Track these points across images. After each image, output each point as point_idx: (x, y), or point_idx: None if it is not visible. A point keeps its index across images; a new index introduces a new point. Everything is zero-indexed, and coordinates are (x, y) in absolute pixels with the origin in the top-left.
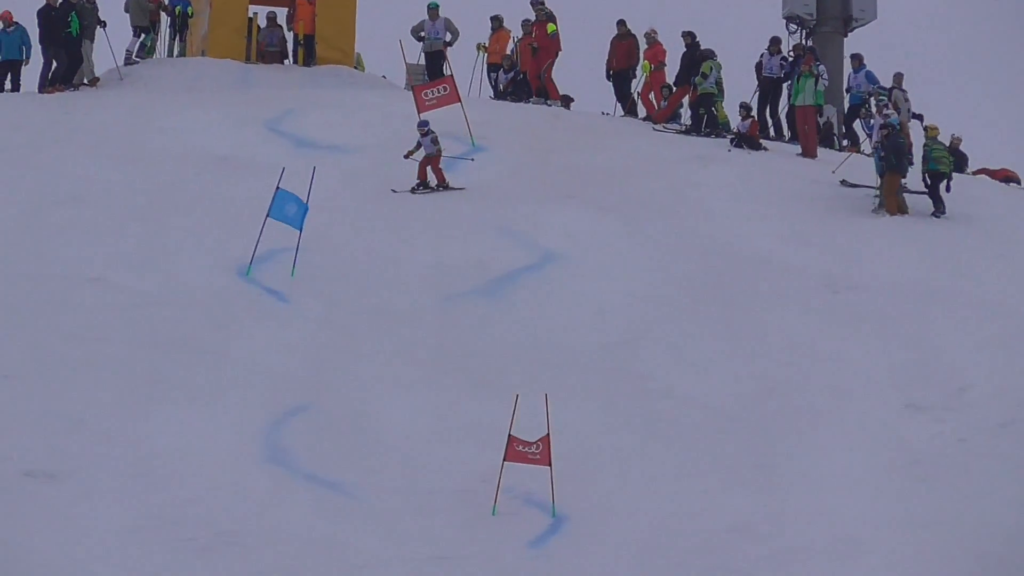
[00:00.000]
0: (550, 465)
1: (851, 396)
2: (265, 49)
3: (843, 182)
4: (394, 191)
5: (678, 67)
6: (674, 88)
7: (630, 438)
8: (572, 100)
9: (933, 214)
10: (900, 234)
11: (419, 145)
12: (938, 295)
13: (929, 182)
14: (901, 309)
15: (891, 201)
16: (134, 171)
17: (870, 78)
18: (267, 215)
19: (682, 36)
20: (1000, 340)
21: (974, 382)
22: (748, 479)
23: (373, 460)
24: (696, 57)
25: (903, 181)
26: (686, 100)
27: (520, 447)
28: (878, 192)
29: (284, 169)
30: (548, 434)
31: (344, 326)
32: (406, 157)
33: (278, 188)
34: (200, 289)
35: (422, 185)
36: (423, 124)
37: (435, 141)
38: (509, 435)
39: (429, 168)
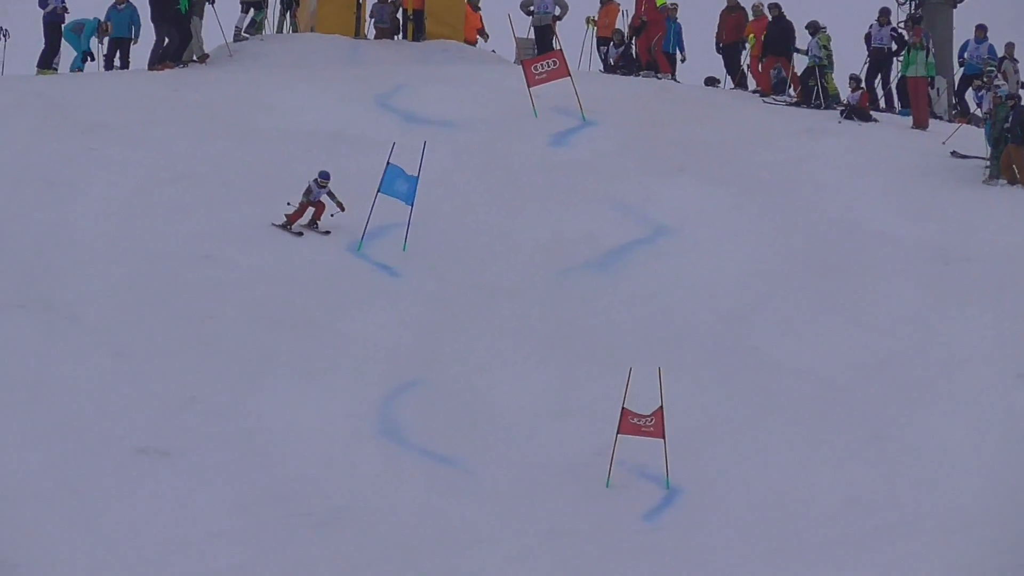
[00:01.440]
0: (664, 438)
1: (963, 368)
2: (376, 25)
3: (954, 153)
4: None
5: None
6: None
7: (743, 411)
8: (717, 81)
9: None
10: (1013, 204)
11: (308, 190)
12: None
13: None
14: (1014, 280)
15: (1010, 172)
16: (244, 148)
17: (991, 52)
18: (378, 190)
19: (768, 9)
20: None
21: None
22: (861, 451)
23: (485, 435)
24: (784, 28)
25: None
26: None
27: (634, 419)
28: (988, 163)
29: (394, 144)
30: (662, 407)
31: (456, 301)
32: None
33: (388, 163)
34: (311, 265)
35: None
36: (326, 176)
37: (330, 194)
38: (623, 408)
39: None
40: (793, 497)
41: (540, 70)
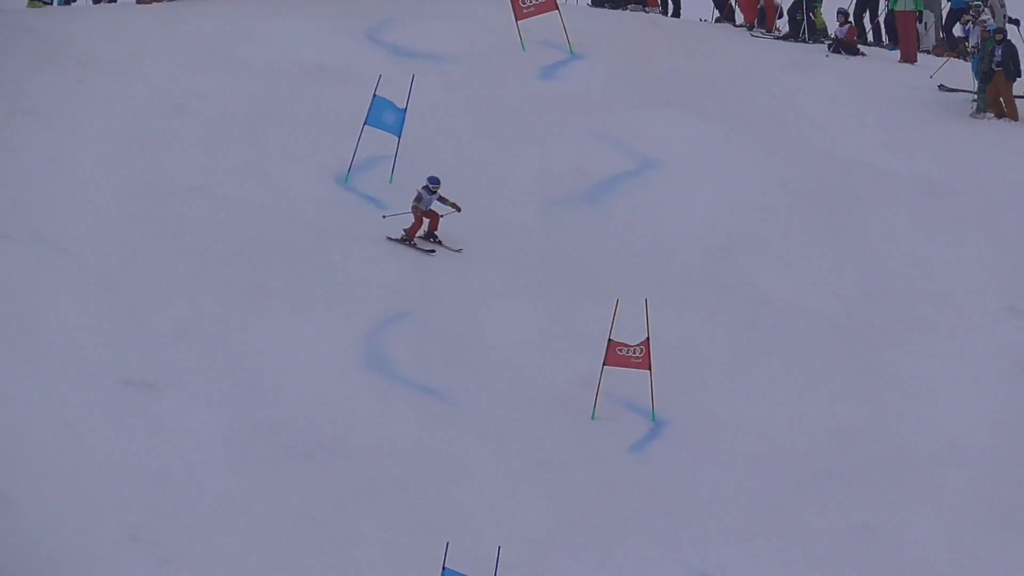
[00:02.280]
0: (650, 369)
1: (953, 301)
2: None
3: (941, 87)
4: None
5: None
6: None
7: (731, 344)
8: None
9: None
10: (1000, 138)
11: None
12: None
13: None
14: (1002, 213)
15: (998, 105)
16: (234, 81)
17: None
18: (365, 123)
19: None
20: None
21: None
22: (851, 386)
23: (474, 367)
24: None
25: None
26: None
27: (621, 351)
28: (976, 96)
29: (381, 76)
30: (648, 338)
31: (444, 233)
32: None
33: (375, 96)
34: (300, 198)
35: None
36: (435, 181)
37: (442, 200)
38: (609, 339)
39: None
40: (781, 430)
41: (528, 3)
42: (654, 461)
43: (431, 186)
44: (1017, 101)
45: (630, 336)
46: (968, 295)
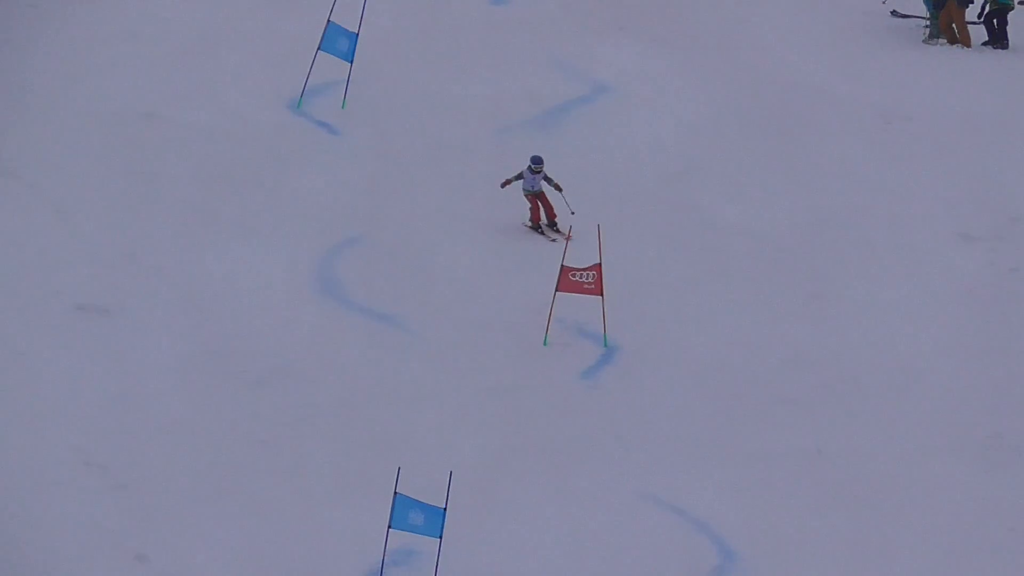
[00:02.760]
0: (602, 295)
1: (905, 227)
2: None
3: (893, 13)
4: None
5: None
6: None
7: (684, 269)
8: None
9: (991, 45)
10: (953, 64)
11: (520, 176)
12: (991, 125)
13: (988, 14)
14: (954, 139)
15: (950, 32)
16: (186, 5)
17: None
18: (318, 48)
19: None
20: None
21: None
22: (803, 310)
23: (426, 292)
24: None
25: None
26: None
27: (573, 276)
28: (928, 22)
29: (335, 1)
30: (600, 263)
31: (397, 159)
32: (503, 186)
33: (329, 22)
34: (252, 123)
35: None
36: (538, 160)
37: (547, 179)
38: (562, 265)
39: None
40: (734, 355)
41: None
42: (606, 387)
43: (533, 166)
44: (969, 27)
45: (582, 262)
46: (920, 221)
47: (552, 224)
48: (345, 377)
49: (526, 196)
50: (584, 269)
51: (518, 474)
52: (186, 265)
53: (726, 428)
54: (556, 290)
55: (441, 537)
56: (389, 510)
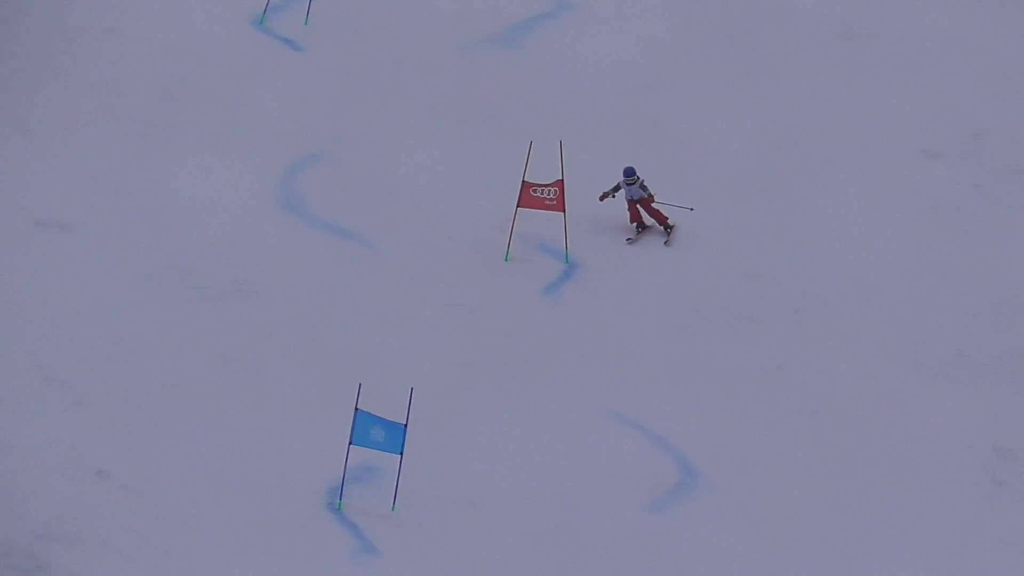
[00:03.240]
0: (564, 211)
1: (868, 143)
2: None
3: None
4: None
5: None
6: None
7: (647, 185)
8: None
9: None
10: None
11: (617, 187)
12: (954, 42)
13: None
14: (917, 57)
15: None
16: None
17: None
18: None
19: None
20: (1015, 87)
21: (989, 128)
22: (765, 226)
23: (388, 208)
24: None
25: None
26: None
27: (535, 192)
28: None
29: None
30: (562, 179)
31: (360, 74)
32: (601, 199)
33: None
34: (215, 39)
35: (641, 227)
36: (629, 172)
37: (643, 187)
38: (524, 180)
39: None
40: (694, 271)
41: None
42: (567, 302)
43: (626, 179)
44: None
45: (545, 176)
46: (883, 138)
47: (667, 228)
48: (307, 293)
49: (630, 203)
50: (546, 185)
51: (479, 390)
52: (148, 181)
53: (688, 345)
54: (518, 206)
55: (402, 453)
56: (350, 426)
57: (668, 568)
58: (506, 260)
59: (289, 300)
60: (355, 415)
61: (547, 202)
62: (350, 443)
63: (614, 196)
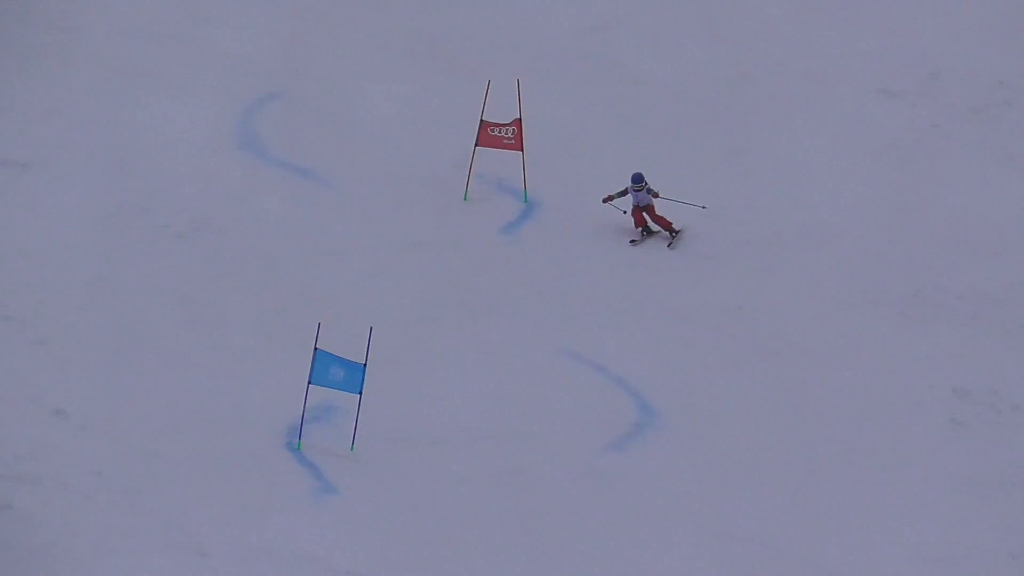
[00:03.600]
0: (522, 150)
1: (825, 82)
2: None
3: None
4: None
5: None
6: None
7: (603, 125)
8: None
9: None
10: None
11: (625, 191)
12: None
13: None
14: None
15: None
16: None
17: None
18: None
19: None
20: (972, 26)
21: (946, 67)
22: (722, 165)
23: (346, 147)
24: None
25: None
26: None
27: (493, 131)
28: None
29: None
30: (520, 118)
31: (318, 13)
32: (605, 201)
33: None
34: None
35: (645, 231)
36: (638, 179)
37: (650, 191)
38: (481, 120)
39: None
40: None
41: None
42: (526, 241)
43: (635, 185)
44: None
45: (503, 115)
46: (841, 76)
47: (671, 231)
48: (265, 231)
49: (635, 209)
50: (504, 124)
51: (438, 329)
52: (106, 118)
53: (647, 284)
54: (476, 145)
55: (361, 392)
56: (309, 366)
57: (627, 506)
58: (464, 199)
59: (247, 238)
60: (314, 354)
61: (505, 141)
62: (309, 382)
63: (617, 205)
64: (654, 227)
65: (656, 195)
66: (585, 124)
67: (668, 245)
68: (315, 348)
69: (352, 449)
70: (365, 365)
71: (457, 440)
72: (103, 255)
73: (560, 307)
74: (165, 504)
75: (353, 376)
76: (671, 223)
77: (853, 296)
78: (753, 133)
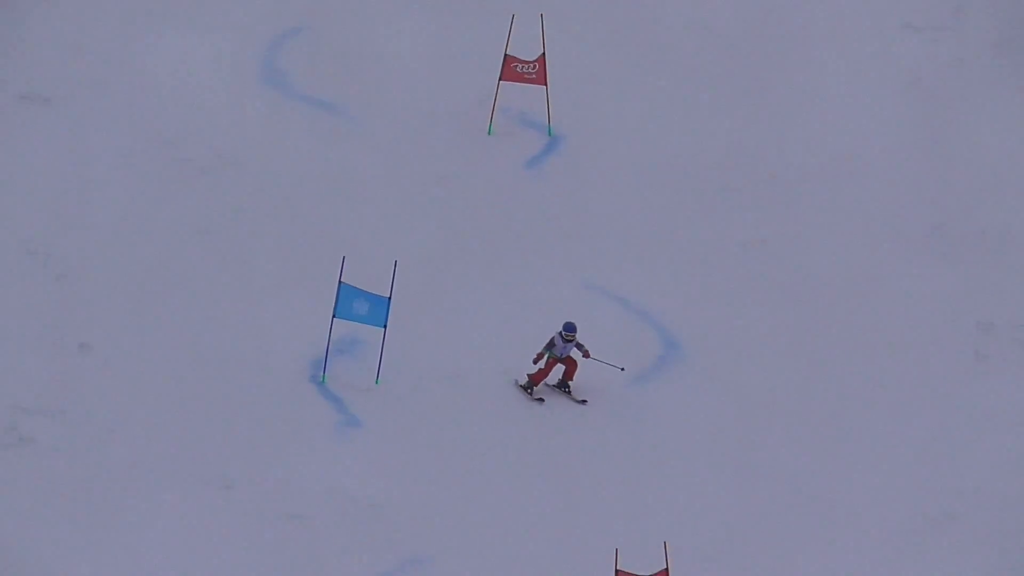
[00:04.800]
0: (546, 84)
1: (848, 16)
2: None
3: None
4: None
5: None
6: None
7: (627, 59)
8: None
9: None
10: None
11: (552, 343)
12: None
13: None
14: None
15: None
16: None
17: None
18: None
19: None
20: None
21: (970, 1)
22: (746, 101)
23: (369, 81)
24: None
25: None
26: None
27: (517, 66)
28: None
29: None
30: (544, 53)
31: None
32: (535, 361)
33: None
34: None
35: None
36: (570, 329)
37: (579, 346)
38: (505, 54)
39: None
40: (678, 145)
41: None
42: (550, 176)
43: (566, 334)
44: None
45: (527, 50)
46: (865, 10)
47: (565, 386)
48: (289, 166)
49: (549, 360)
50: (528, 61)
51: (462, 264)
52: (130, 54)
53: (670, 218)
54: (500, 79)
55: (385, 327)
56: (334, 300)
57: (650, 440)
58: (489, 134)
59: (271, 173)
60: (338, 288)
61: (527, 76)
62: (333, 316)
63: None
64: (554, 382)
65: (587, 354)
66: (609, 59)
67: (539, 399)
68: (339, 282)
69: (377, 383)
70: (390, 299)
71: (481, 374)
72: (126, 190)
73: (584, 241)
74: (189, 437)
75: (378, 310)
76: (572, 378)
77: (876, 230)
78: (776, 68)
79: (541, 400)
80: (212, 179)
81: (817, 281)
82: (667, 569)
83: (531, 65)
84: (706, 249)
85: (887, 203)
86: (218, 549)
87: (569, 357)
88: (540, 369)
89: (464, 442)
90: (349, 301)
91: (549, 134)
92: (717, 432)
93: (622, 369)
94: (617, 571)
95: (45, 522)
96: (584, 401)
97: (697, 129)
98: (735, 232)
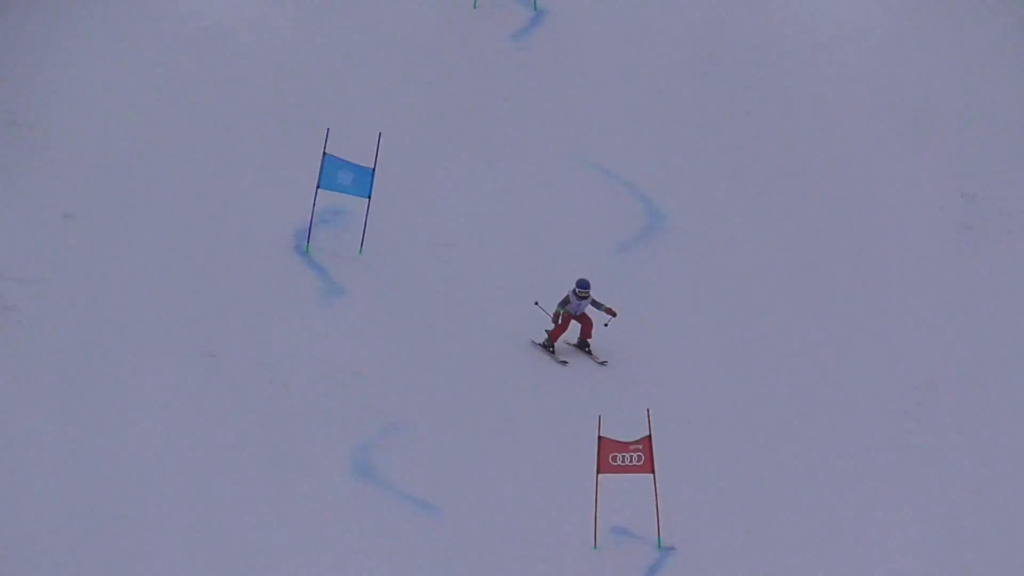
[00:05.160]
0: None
1: None
2: None
3: None
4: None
5: None
6: None
7: None
8: None
9: None
10: None
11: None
12: None
13: None
14: None
15: None
16: None
17: None
18: None
19: None
20: None
21: None
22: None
23: None
24: None
25: None
26: None
27: None
28: None
29: None
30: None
31: None
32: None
33: None
34: None
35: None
36: (584, 285)
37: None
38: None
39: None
40: (662, 19)
41: None
42: (536, 48)
43: (579, 290)
44: None
45: None
46: None
47: (584, 342)
48: (273, 38)
49: (563, 317)
50: None
51: (447, 135)
52: None
53: (654, 89)
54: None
55: (370, 197)
56: (318, 170)
57: (635, 304)
58: (474, 7)
59: (255, 44)
60: (323, 159)
61: None
62: (318, 186)
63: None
64: (574, 341)
65: (610, 311)
66: None
67: (563, 361)
68: (324, 153)
69: (360, 252)
70: (374, 170)
71: (465, 243)
72: (109, 60)
73: (569, 113)
74: (173, 306)
75: (362, 180)
76: (591, 335)
77: (861, 103)
78: None
79: (564, 362)
80: (197, 50)
81: (802, 152)
82: (649, 436)
83: None
84: (691, 120)
85: (872, 76)
86: (202, 416)
87: (584, 314)
88: (557, 326)
89: (447, 308)
90: (334, 172)
91: (534, 8)
92: (700, 298)
93: (605, 325)
94: (600, 438)
95: (29, 388)
96: (605, 362)
97: (681, 1)
98: (720, 104)
